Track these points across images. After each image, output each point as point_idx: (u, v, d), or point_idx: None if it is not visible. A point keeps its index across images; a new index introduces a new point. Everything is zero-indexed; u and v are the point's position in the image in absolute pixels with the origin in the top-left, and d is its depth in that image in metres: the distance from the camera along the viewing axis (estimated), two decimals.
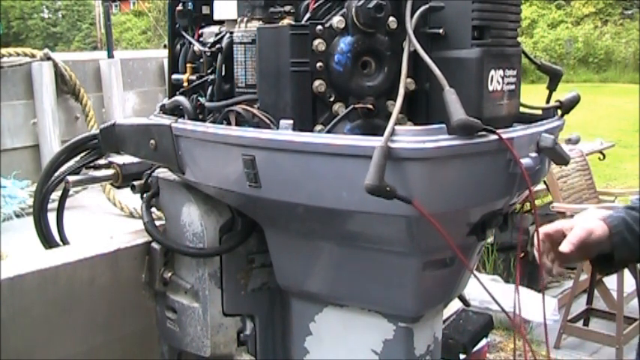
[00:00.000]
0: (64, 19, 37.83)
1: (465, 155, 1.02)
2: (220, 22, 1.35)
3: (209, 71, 1.33)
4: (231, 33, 1.27)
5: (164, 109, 1.40)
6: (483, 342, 2.04)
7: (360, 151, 1.01)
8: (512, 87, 1.16)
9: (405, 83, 1.04)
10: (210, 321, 1.38)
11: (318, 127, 1.13)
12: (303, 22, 1.14)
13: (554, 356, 4.15)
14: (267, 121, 1.14)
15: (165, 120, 1.32)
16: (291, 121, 1.08)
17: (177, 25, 1.45)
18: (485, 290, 1.18)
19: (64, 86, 3.72)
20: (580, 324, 4.37)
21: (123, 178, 1.59)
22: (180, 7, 1.43)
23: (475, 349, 1.95)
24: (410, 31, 1.07)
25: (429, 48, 1.13)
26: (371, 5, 1.08)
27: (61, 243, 1.65)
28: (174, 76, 1.46)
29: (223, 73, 1.28)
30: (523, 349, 1.25)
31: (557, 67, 1.30)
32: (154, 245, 1.43)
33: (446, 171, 1.01)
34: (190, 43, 1.41)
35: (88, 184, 1.74)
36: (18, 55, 3.63)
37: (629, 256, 1.33)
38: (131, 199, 2.78)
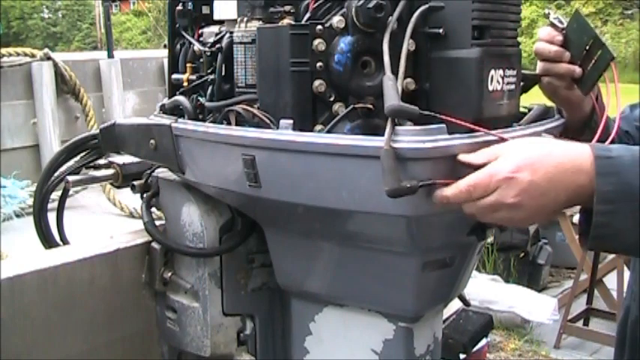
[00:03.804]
0: (64, 19, 37.85)
1: None
2: (220, 22, 1.35)
3: (209, 71, 1.33)
4: (231, 33, 1.27)
5: (164, 109, 1.40)
6: (483, 342, 2.04)
7: (360, 151, 1.01)
8: (512, 87, 1.16)
9: (402, 80, 1.04)
10: (210, 321, 1.38)
11: (318, 127, 1.13)
12: (303, 22, 1.14)
13: (555, 356, 4.16)
14: (267, 121, 1.14)
15: (166, 120, 1.32)
16: (291, 121, 1.08)
17: (177, 25, 1.45)
18: None
19: (64, 86, 3.71)
20: (580, 324, 4.37)
21: (123, 178, 1.59)
22: (180, 7, 1.43)
23: (475, 349, 1.94)
24: (388, 30, 1.08)
25: (429, 48, 1.13)
26: (371, 5, 1.08)
27: (61, 243, 1.65)
28: (174, 76, 1.46)
29: (223, 73, 1.28)
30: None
31: (532, 74, 1.30)
32: (154, 245, 1.43)
33: (446, 171, 1.01)
34: (190, 43, 1.41)
35: (88, 184, 1.74)
36: (18, 55, 3.63)
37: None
38: (131, 199, 2.79)
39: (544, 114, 1.24)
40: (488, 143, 1.02)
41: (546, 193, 0.95)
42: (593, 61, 1.27)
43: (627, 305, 1.70)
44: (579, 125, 1.37)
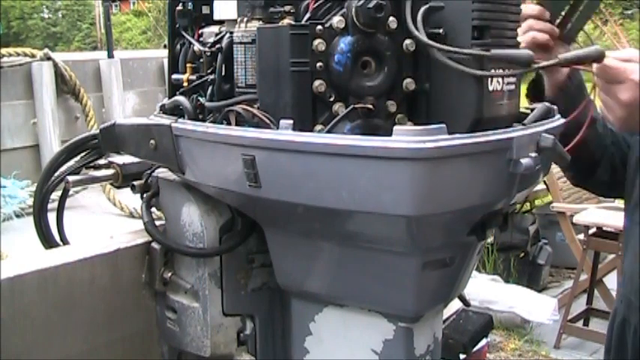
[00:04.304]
0: (64, 19, 37.86)
1: (464, 155, 1.02)
2: (220, 22, 1.35)
3: (209, 71, 1.33)
4: (231, 33, 1.27)
5: (164, 109, 1.40)
6: (483, 342, 2.04)
7: (360, 151, 1.01)
8: (512, 87, 1.16)
9: None
10: (210, 321, 1.38)
11: (318, 127, 1.13)
12: (303, 22, 1.14)
13: (554, 356, 4.16)
14: (267, 121, 1.14)
15: (165, 120, 1.32)
16: (291, 121, 1.08)
17: (177, 25, 1.46)
18: None
19: (64, 86, 3.72)
20: (580, 324, 4.37)
21: (123, 178, 1.59)
22: (180, 7, 1.43)
23: (475, 349, 1.94)
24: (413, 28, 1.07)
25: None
26: (371, 5, 1.08)
27: (61, 243, 1.65)
28: (174, 76, 1.46)
29: (223, 73, 1.28)
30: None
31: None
32: (154, 245, 1.43)
33: (446, 171, 1.01)
34: (190, 43, 1.41)
35: (88, 184, 1.74)
36: (18, 55, 3.63)
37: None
38: (131, 199, 2.79)
39: (547, 113, 1.24)
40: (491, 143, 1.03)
41: None
42: (578, 12, 1.36)
43: (615, 307, 1.71)
44: (555, 89, 1.48)
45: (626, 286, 1.65)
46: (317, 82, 1.11)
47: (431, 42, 1.07)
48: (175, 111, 1.37)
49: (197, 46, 1.38)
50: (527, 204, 5.21)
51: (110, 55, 4.12)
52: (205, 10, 1.41)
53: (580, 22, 1.38)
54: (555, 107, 1.30)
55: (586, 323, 4.40)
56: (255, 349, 1.45)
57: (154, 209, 1.47)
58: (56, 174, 1.64)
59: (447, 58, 1.06)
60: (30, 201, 2.95)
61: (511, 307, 4.28)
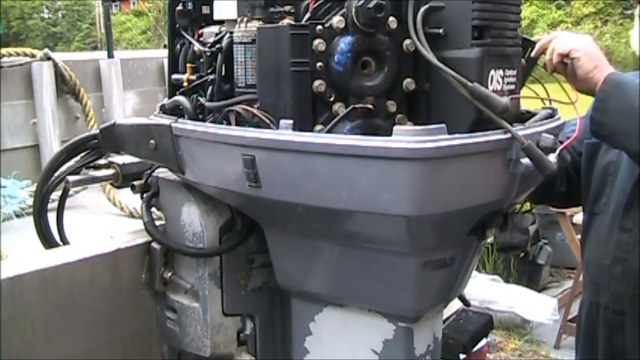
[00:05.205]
0: (64, 19, 37.89)
1: (464, 155, 1.02)
2: (220, 22, 1.35)
3: (209, 71, 1.33)
4: (231, 33, 1.27)
5: (164, 109, 1.40)
6: (483, 342, 2.04)
7: (360, 151, 1.01)
8: (513, 87, 1.16)
9: None
10: (210, 321, 1.38)
11: (318, 127, 1.13)
12: (303, 22, 1.14)
13: (554, 356, 4.16)
14: (267, 121, 1.14)
15: (165, 120, 1.32)
16: (291, 121, 1.08)
17: (177, 25, 1.46)
18: None
19: (64, 86, 3.71)
20: None
21: (123, 178, 1.59)
22: (180, 7, 1.43)
23: (475, 349, 1.94)
24: (413, 32, 1.07)
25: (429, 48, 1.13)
26: (371, 5, 1.08)
27: (61, 243, 1.65)
28: (174, 76, 1.46)
29: (223, 73, 1.28)
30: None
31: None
32: (154, 245, 1.43)
33: (446, 171, 1.01)
34: (190, 43, 1.41)
35: (88, 184, 1.74)
36: (18, 55, 3.62)
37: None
38: (131, 199, 2.78)
39: (550, 117, 1.25)
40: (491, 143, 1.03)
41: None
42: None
43: (582, 300, 1.78)
44: None
45: (591, 272, 1.72)
46: (317, 82, 1.11)
47: (429, 55, 1.06)
48: (175, 111, 1.37)
49: (197, 46, 1.38)
50: (527, 204, 5.20)
51: (110, 55, 4.11)
52: (205, 10, 1.41)
53: (528, 67, 1.40)
54: (556, 108, 1.30)
55: None
56: (255, 349, 1.45)
57: (154, 209, 1.47)
58: (56, 174, 1.64)
59: (442, 65, 1.06)
60: (30, 201, 2.95)
61: (511, 307, 4.28)
